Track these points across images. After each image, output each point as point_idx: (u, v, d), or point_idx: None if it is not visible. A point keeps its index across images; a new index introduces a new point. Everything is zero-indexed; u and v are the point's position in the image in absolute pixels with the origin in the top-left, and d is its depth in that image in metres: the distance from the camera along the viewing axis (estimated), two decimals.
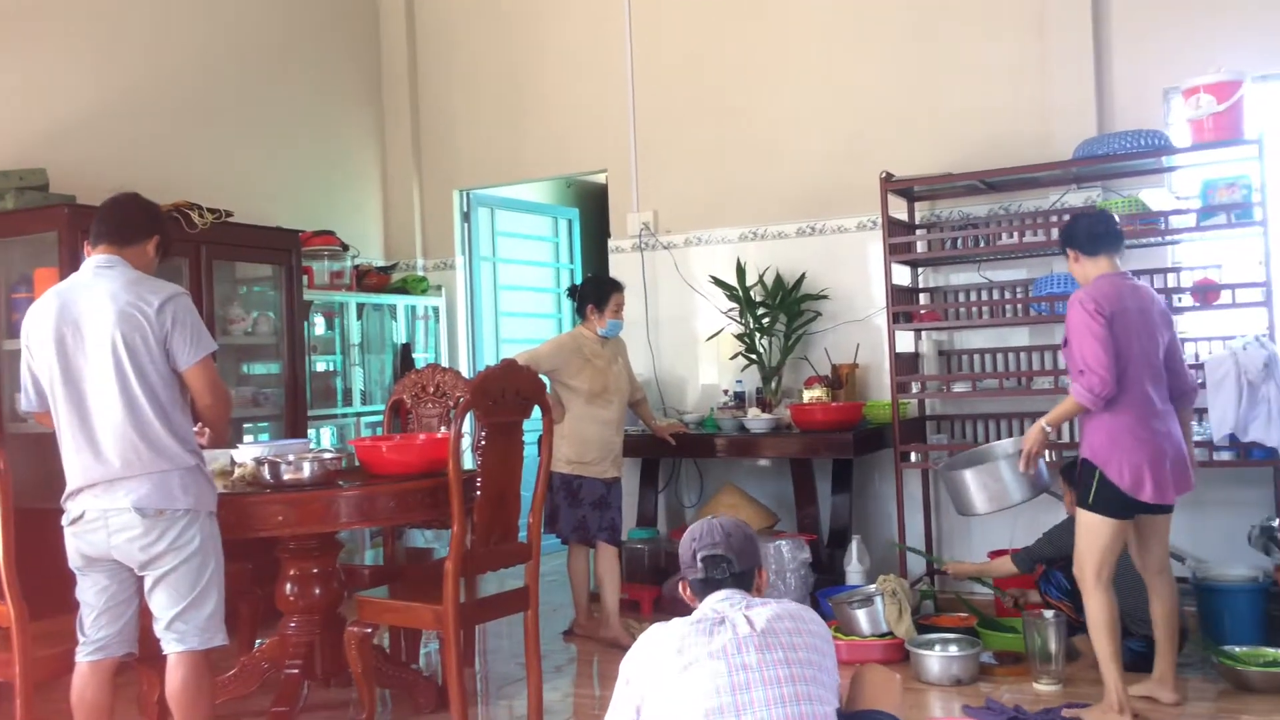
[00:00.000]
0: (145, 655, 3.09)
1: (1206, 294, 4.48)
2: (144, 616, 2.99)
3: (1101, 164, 4.63)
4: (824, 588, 4.85)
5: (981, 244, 4.99)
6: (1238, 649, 3.84)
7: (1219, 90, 4.34)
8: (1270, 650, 3.84)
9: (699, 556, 2.35)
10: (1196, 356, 4.67)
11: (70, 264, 4.32)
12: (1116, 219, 3.67)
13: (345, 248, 6.03)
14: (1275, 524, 4.26)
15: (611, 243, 6.25)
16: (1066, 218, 4.51)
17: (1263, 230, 4.29)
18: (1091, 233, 3.57)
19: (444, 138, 6.76)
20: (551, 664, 4.38)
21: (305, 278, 5.59)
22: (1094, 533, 3.43)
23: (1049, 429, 3.56)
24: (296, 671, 3.64)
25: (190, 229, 4.79)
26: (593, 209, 7.59)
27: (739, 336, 5.54)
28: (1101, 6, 5.01)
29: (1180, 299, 4.61)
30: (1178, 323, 4.75)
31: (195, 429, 3.08)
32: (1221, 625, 4.12)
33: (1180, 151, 4.55)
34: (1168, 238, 4.69)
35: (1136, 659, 3.85)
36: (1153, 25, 4.93)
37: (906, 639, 4.13)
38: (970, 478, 3.86)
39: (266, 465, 3.38)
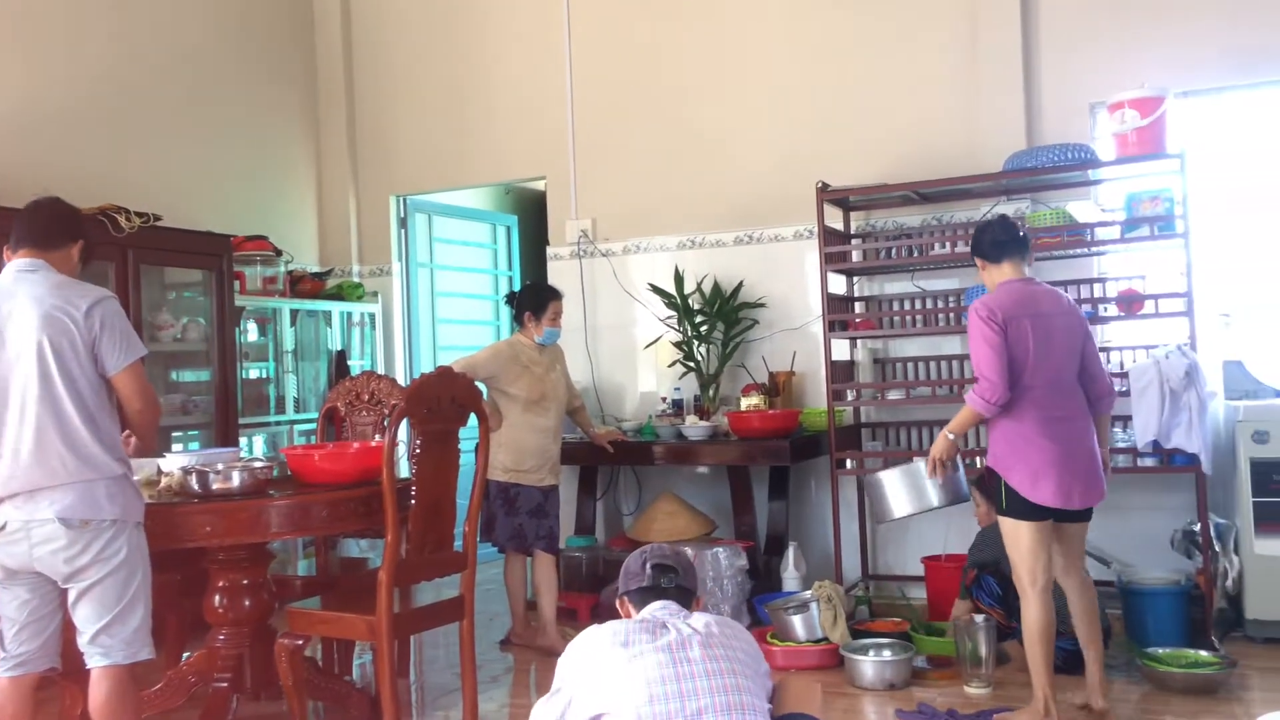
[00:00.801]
0: (68, 669, 3.01)
1: (1130, 304, 4.60)
2: (67, 629, 2.91)
3: (1030, 176, 4.73)
4: (761, 594, 4.88)
5: (915, 254, 5.07)
6: (1161, 651, 3.93)
7: (1143, 106, 4.46)
8: (1192, 652, 3.94)
9: (648, 565, 2.42)
10: (1121, 365, 4.79)
11: None
12: (1020, 226, 3.71)
13: (279, 253, 5.94)
14: (1197, 528, 4.39)
15: (550, 250, 6.24)
16: None
17: (1184, 242, 4.41)
18: (995, 240, 3.59)
19: (381, 142, 6.69)
20: (488, 674, 4.35)
21: (237, 283, 5.49)
22: (1013, 537, 3.45)
23: (952, 436, 3.57)
24: (225, 685, 3.57)
25: (117, 233, 4.68)
26: (531, 216, 7.56)
27: (677, 344, 5.56)
28: (1030, 23, 5.13)
29: (1105, 309, 4.73)
30: (1103, 332, 4.91)
31: (122, 436, 3.01)
32: (1145, 627, 4.23)
33: (1105, 165, 4.67)
34: (1094, 249, 4.80)
35: (1070, 658, 3.91)
36: (1080, 42, 5.06)
37: (841, 644, 4.17)
38: (886, 479, 3.87)
39: (194, 474, 3.31)
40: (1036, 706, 3.42)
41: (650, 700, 2.12)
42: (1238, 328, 4.83)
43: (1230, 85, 4.87)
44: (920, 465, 3.76)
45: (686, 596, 2.43)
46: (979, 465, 4.71)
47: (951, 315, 5.01)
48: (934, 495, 3.78)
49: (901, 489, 3.84)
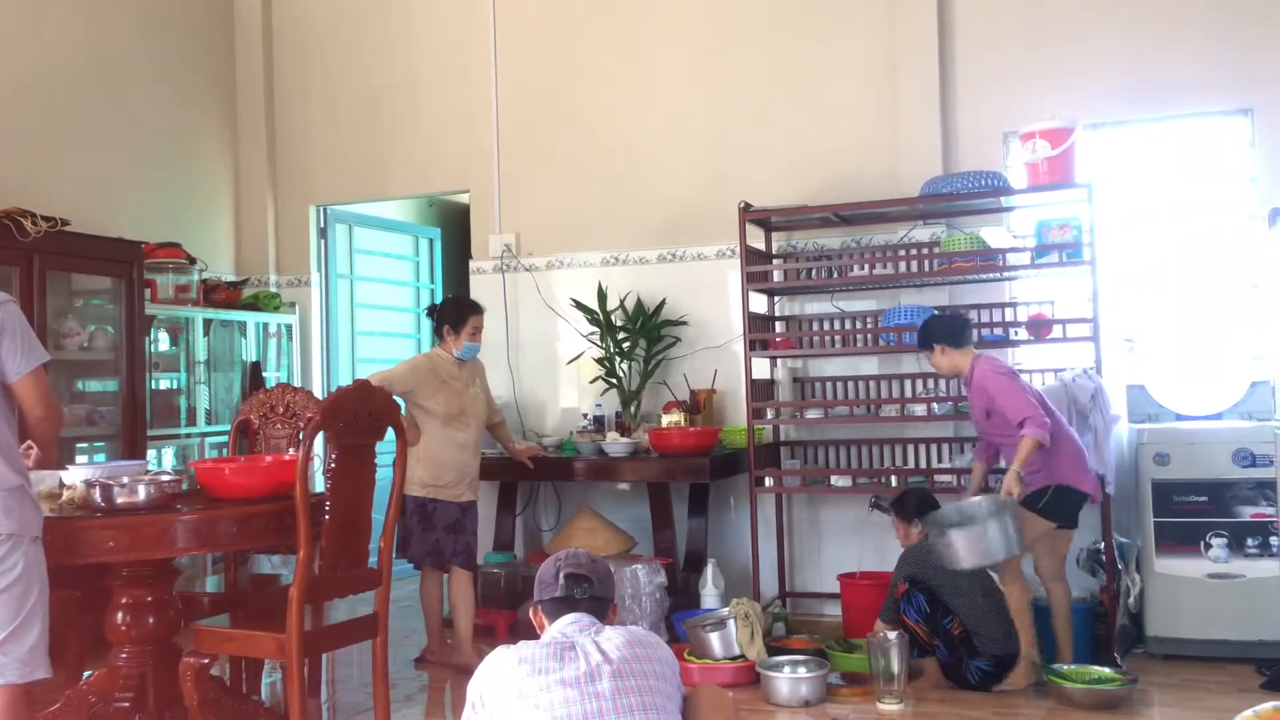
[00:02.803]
0: None
1: (1039, 328, 4.73)
2: None
3: (945, 201, 4.85)
4: (679, 611, 4.89)
5: (834, 275, 5.15)
6: (1065, 667, 4.03)
7: (1053, 136, 4.60)
8: (1096, 668, 4.04)
9: (562, 574, 2.37)
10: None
11: None
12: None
13: (192, 261, 5.80)
14: (1101, 547, 4.51)
15: (473, 263, 6.20)
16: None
17: (1091, 269, 4.55)
18: (959, 328, 4.33)
19: (301, 151, 6.59)
20: (401, 692, 4.29)
21: (148, 291, 5.35)
22: (1059, 541, 4.23)
23: (1021, 472, 4.03)
24: (127, 705, 3.45)
25: (22, 237, 4.54)
26: (455, 229, 7.51)
27: (599, 360, 5.57)
28: (947, 53, 5.27)
29: (1016, 332, 4.85)
30: (1013, 355, 5.05)
31: (22, 448, 2.91)
32: (1051, 644, 4.32)
33: (1017, 193, 4.80)
34: (1005, 274, 4.93)
35: (984, 678, 4.03)
36: (994, 72, 5.20)
37: (757, 661, 4.20)
38: (957, 537, 3.99)
39: (98, 487, 3.21)
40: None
41: None
42: (1141, 353, 5.00)
43: (1136, 118, 5.06)
44: (993, 525, 3.96)
45: (601, 607, 2.38)
46: (895, 485, 4.80)
47: (869, 336, 5.10)
48: (1000, 548, 3.99)
49: (973, 542, 3.98)
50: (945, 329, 4.33)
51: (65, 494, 3.33)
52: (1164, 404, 4.77)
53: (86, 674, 3.80)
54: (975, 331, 4.67)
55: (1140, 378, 4.86)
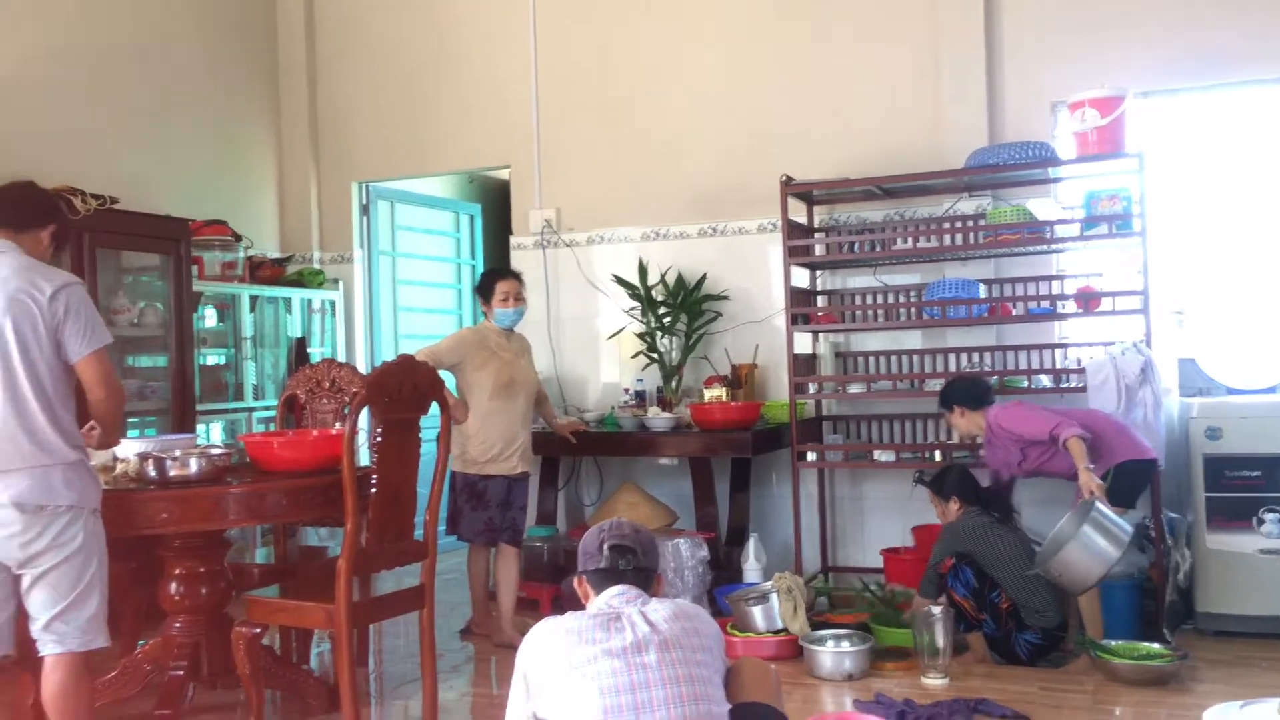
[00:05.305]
0: (22, 656, 2.95)
1: (1088, 301, 4.66)
2: (20, 616, 2.86)
3: (991, 173, 4.78)
4: (721, 585, 4.90)
5: (877, 248, 5.11)
6: (1113, 643, 4.00)
7: (1103, 105, 4.52)
8: (1144, 644, 4.00)
9: (606, 545, 2.35)
10: (1078, 361, 4.85)
11: None
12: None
13: (238, 238, 5.86)
14: (1150, 523, 4.46)
15: (513, 239, 6.21)
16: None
17: (1141, 241, 4.47)
18: (973, 392, 4.40)
19: (343, 128, 6.62)
20: (448, 663, 4.34)
21: (195, 268, 5.42)
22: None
23: (1090, 467, 4.01)
24: (181, 673, 3.53)
25: (73, 215, 4.59)
26: (495, 205, 7.53)
27: (640, 335, 5.56)
28: (993, 21, 5.18)
29: (1063, 305, 4.79)
30: (1060, 328, 5.00)
31: (84, 430, 2.96)
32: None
33: (1065, 163, 4.73)
34: (1052, 246, 4.86)
35: (1034, 651, 4.01)
36: (1042, 41, 5.11)
37: (800, 635, 4.20)
38: (1068, 560, 3.87)
39: (151, 461, 3.27)
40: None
41: (604, 712, 2.08)
42: (1192, 326, 4.92)
43: (1188, 86, 4.95)
44: (1086, 529, 3.86)
45: (646, 578, 2.37)
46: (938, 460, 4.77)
47: (913, 310, 5.05)
48: (1112, 549, 3.86)
49: (1081, 559, 3.86)
50: (965, 392, 4.41)
51: (119, 467, 3.40)
52: (1215, 377, 4.68)
53: (141, 643, 3.88)
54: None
55: (1191, 351, 4.78)
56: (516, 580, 4.70)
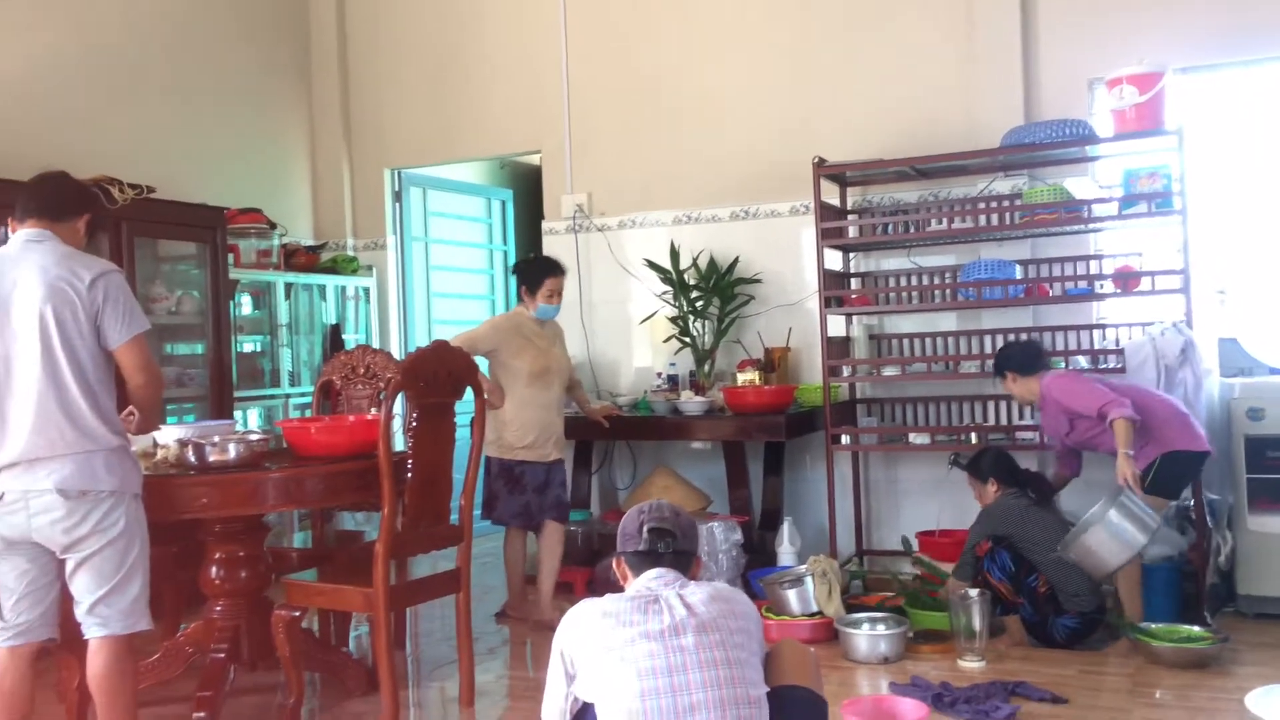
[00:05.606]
0: (66, 640, 3.01)
1: (1127, 281, 4.60)
2: (65, 600, 2.91)
3: (1028, 152, 4.72)
4: (755, 568, 4.90)
5: (911, 230, 5.06)
6: (1154, 626, 3.96)
7: (1141, 82, 4.45)
8: (1185, 627, 3.96)
9: (646, 528, 2.35)
10: (1116, 342, 4.80)
11: None
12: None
13: (273, 226, 5.91)
14: (1191, 505, 4.41)
15: (545, 224, 6.22)
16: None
17: (1181, 219, 4.41)
18: (1023, 356, 4.31)
19: (375, 115, 6.65)
20: (484, 646, 4.37)
21: (231, 256, 5.47)
22: (1161, 505, 4.07)
23: (1131, 453, 3.92)
24: (223, 655, 3.57)
25: (111, 204, 4.64)
26: (526, 190, 7.54)
27: (673, 319, 5.56)
28: None
29: (1101, 285, 4.72)
30: (1099, 309, 4.94)
31: (123, 415, 3.00)
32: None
33: (1103, 141, 4.66)
34: (1090, 225, 4.79)
35: (1071, 635, 3.99)
36: (1079, 17, 5.03)
37: (835, 618, 4.19)
38: (1091, 543, 3.87)
39: (191, 447, 3.31)
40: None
41: (642, 695, 2.09)
42: (1233, 305, 4.84)
43: (1229, 62, 4.86)
44: (1111, 514, 3.85)
45: (685, 561, 2.37)
46: (974, 441, 4.74)
47: (948, 292, 5.01)
48: (1140, 533, 3.84)
49: (1104, 542, 3.85)
50: (1015, 357, 4.34)
51: (159, 453, 3.44)
52: (1258, 357, 4.61)
53: (183, 626, 3.93)
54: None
55: (1233, 330, 4.70)
56: (559, 558, 4.68)
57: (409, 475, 3.41)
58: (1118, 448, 3.94)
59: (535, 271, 4.70)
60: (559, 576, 4.76)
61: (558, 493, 4.66)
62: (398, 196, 6.69)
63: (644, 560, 2.35)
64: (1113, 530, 3.83)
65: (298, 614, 3.46)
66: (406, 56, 6.54)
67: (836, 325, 5.25)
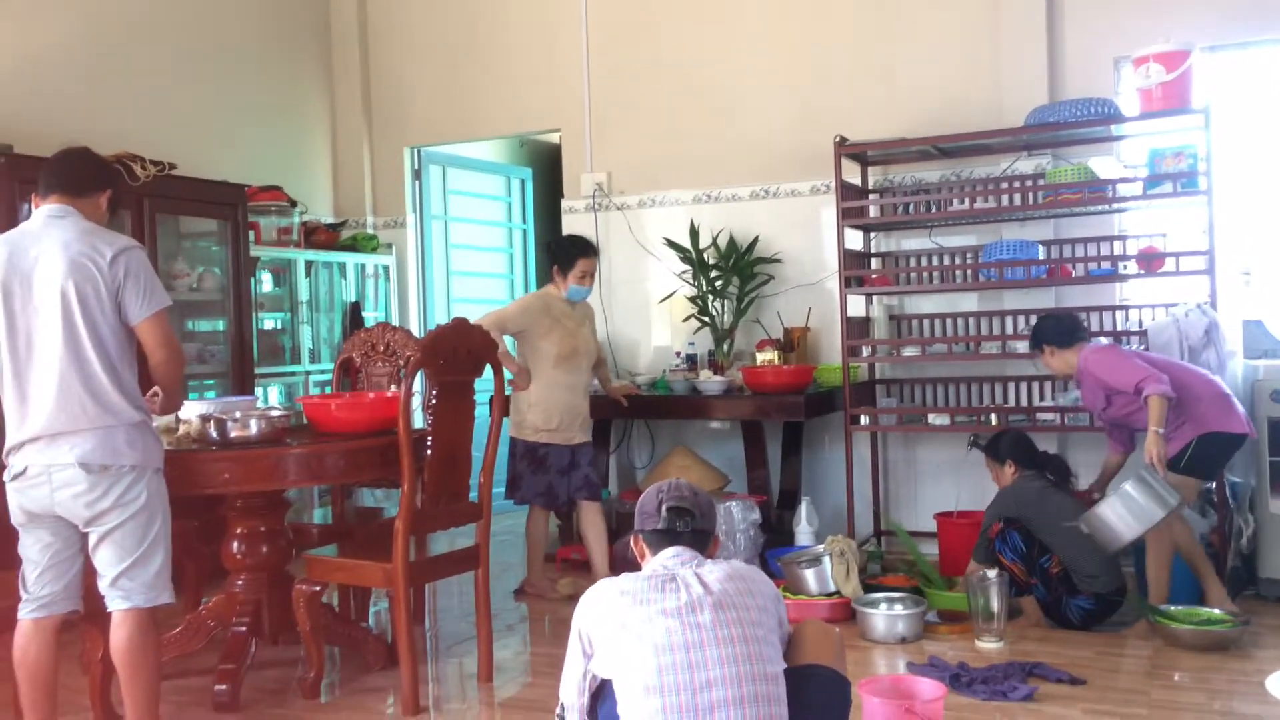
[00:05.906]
0: (89, 612, 3.04)
1: (1151, 262, 4.56)
2: (88, 573, 2.94)
3: (1052, 131, 4.67)
4: (773, 548, 4.90)
5: (933, 209, 5.03)
6: (1174, 608, 3.94)
7: (1168, 60, 4.39)
8: (1205, 610, 3.94)
9: (664, 506, 2.35)
10: (1140, 323, 4.76)
11: (7, 213, 4.22)
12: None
13: (293, 203, 5.93)
14: (1213, 487, 4.38)
15: (565, 203, 6.21)
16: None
17: (1207, 199, 4.36)
18: (1060, 329, 4.21)
19: (395, 93, 6.65)
20: (502, 622, 4.39)
21: (252, 233, 5.49)
22: (1195, 487, 4.07)
23: (1161, 431, 3.83)
24: (244, 629, 3.61)
25: (133, 181, 4.67)
26: (546, 169, 7.52)
27: (692, 299, 5.55)
28: None
29: (1125, 266, 4.68)
30: (1122, 290, 4.89)
31: (146, 397, 3.01)
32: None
33: (1129, 120, 4.61)
34: (1115, 205, 4.75)
35: (1086, 616, 3.97)
36: None
37: (853, 598, 4.19)
38: (1105, 513, 3.82)
39: (213, 422, 3.33)
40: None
41: (659, 671, 2.10)
42: (1258, 286, 4.79)
43: (1256, 40, 4.79)
44: (1127, 484, 3.80)
45: (703, 540, 2.37)
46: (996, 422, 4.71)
47: (969, 272, 4.98)
48: (1158, 508, 3.78)
49: (1121, 514, 3.80)
50: (1051, 330, 4.24)
51: (181, 429, 3.46)
52: None
53: (205, 600, 3.97)
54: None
55: (1258, 312, 4.66)
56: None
57: (428, 452, 3.43)
58: (1149, 425, 3.87)
59: (569, 251, 4.64)
60: (576, 555, 4.76)
61: (586, 472, 4.64)
62: (417, 174, 6.69)
63: (662, 539, 2.35)
64: (1129, 503, 3.78)
65: (318, 589, 3.49)
66: (427, 35, 6.53)
67: (856, 305, 5.23)
